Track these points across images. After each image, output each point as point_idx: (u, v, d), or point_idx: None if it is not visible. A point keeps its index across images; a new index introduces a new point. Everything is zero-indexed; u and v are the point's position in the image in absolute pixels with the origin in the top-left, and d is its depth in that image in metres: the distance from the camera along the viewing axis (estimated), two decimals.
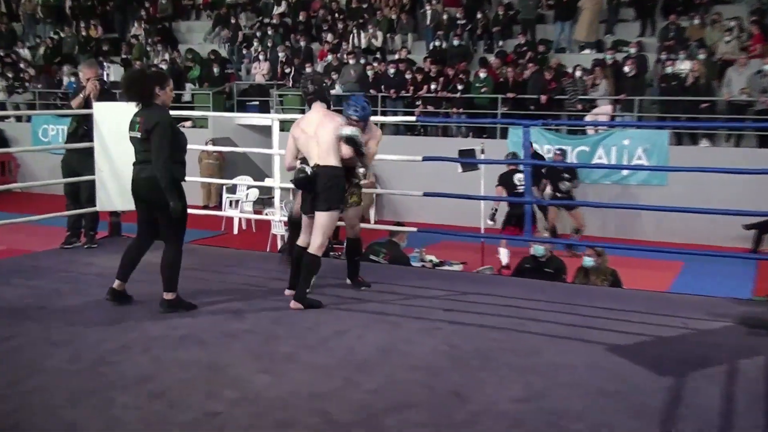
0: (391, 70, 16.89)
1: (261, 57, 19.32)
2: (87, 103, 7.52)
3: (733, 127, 13.90)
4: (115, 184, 7.18)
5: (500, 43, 18.23)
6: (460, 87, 16.08)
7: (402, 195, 14.67)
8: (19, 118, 20.79)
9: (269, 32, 20.26)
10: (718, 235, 12.76)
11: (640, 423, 3.79)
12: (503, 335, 5.12)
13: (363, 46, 19.02)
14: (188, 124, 18.03)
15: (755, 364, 4.64)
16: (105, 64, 19.48)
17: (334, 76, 17.25)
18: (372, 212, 16.06)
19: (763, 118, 13.27)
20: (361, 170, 6.13)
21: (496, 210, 11.50)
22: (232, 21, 21.46)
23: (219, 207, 16.14)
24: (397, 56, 17.93)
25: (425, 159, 7.63)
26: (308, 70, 17.06)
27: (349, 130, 5.69)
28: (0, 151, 17.89)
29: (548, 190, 12.36)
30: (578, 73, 15.28)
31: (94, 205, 7.47)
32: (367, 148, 5.88)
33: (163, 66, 19.43)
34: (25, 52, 23.15)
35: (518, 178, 11.18)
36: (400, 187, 14.53)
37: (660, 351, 4.86)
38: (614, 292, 7.18)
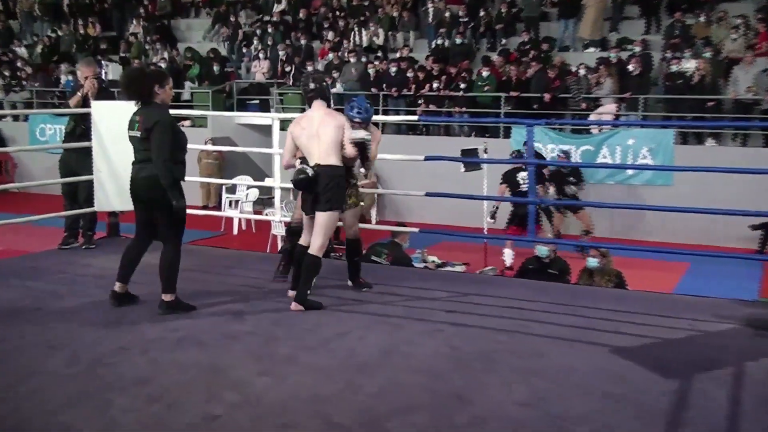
0: (393, 69, 16.88)
1: (261, 55, 19.33)
2: (85, 102, 7.52)
3: (739, 126, 13.89)
4: (113, 184, 7.17)
5: (503, 41, 18.23)
6: (462, 86, 16.07)
7: (404, 195, 14.66)
8: (16, 117, 20.81)
9: (269, 30, 20.27)
10: (724, 235, 12.75)
11: (646, 426, 3.77)
12: (506, 337, 5.11)
13: (364, 44, 19.02)
14: (187, 123, 18.04)
15: (762, 366, 4.63)
16: (103, 62, 19.47)
17: (335, 75, 17.25)
18: (373, 212, 16.07)
19: None
20: (362, 170, 6.14)
21: (497, 208, 11.49)
22: (232, 19, 21.47)
23: (218, 207, 16.14)
24: (398, 54, 17.92)
25: (427, 158, 7.62)
26: (309, 68, 17.05)
27: (362, 134, 5.70)
28: None
29: (551, 191, 12.31)
30: (582, 72, 15.28)
31: (92, 206, 7.47)
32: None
33: (162, 64, 19.44)
34: (22, 51, 23.20)
35: (522, 176, 11.15)
36: (402, 187, 14.52)
37: (665, 353, 4.85)
38: (619, 294, 7.17)
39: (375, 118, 6.49)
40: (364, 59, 18.02)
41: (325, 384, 4.21)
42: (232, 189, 15.73)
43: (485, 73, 16.00)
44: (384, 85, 16.78)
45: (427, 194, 7.76)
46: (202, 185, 17.08)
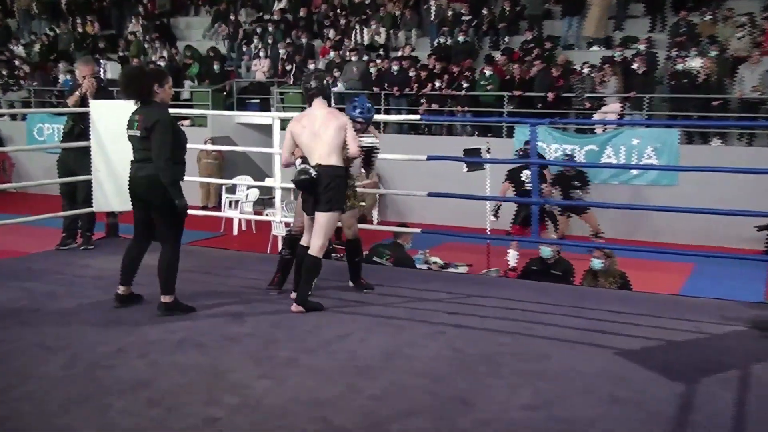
0: (395, 68, 16.87)
1: (261, 54, 19.34)
2: (83, 101, 7.51)
3: (745, 125, 13.87)
4: (112, 184, 7.17)
5: (506, 39, 18.22)
6: (465, 84, 16.06)
7: (405, 195, 14.65)
8: (13, 117, 20.82)
9: (270, 28, 20.28)
10: (730, 236, 12.73)
11: (652, 430, 3.76)
12: (510, 339, 5.10)
13: (366, 42, 19.01)
14: (187, 122, 18.04)
15: None
16: (102, 61, 19.53)
17: (337, 74, 17.24)
18: (375, 213, 16.07)
19: None
20: (362, 170, 6.13)
21: (500, 205, 11.48)
22: (232, 17, 21.46)
23: (218, 207, 16.14)
24: (400, 53, 17.91)
25: (429, 158, 7.61)
26: (311, 67, 17.06)
27: (374, 141, 5.75)
28: None
29: (556, 195, 12.23)
30: (586, 71, 15.26)
31: (91, 206, 7.46)
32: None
33: (162, 63, 19.44)
34: (19, 49, 23.22)
35: (526, 174, 11.11)
36: (404, 187, 14.51)
37: (671, 355, 4.84)
38: (623, 295, 7.16)
39: (377, 117, 6.50)
40: (365, 58, 18.02)
41: (326, 387, 4.20)
42: (232, 189, 15.73)
43: (488, 71, 15.99)
44: (386, 84, 16.77)
45: (430, 194, 7.75)
46: (201, 185, 17.08)
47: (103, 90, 7.83)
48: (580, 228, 12.96)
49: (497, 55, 17.02)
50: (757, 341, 5.18)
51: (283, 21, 20.64)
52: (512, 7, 18.31)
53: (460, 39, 17.70)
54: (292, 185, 5.86)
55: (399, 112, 16.26)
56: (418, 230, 8.04)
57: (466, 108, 16.01)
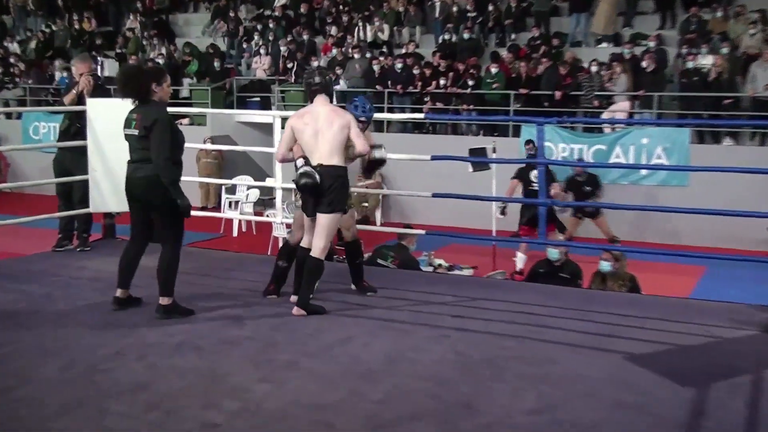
0: (399, 65, 16.89)
1: (262, 51, 19.37)
2: (80, 100, 7.53)
3: (757, 125, 13.87)
4: (109, 184, 7.19)
5: (513, 36, 18.23)
6: (470, 82, 16.07)
7: (409, 196, 14.66)
8: (8, 115, 20.84)
9: (270, 25, 20.30)
10: (742, 238, 12.71)
11: None
12: (515, 343, 5.11)
13: (369, 39, 19.03)
14: (186, 121, 18.07)
15: None
16: (99, 58, 19.57)
17: (339, 71, 17.26)
18: (378, 214, 16.08)
19: None
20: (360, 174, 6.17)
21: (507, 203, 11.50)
22: (231, 14, 21.47)
23: (218, 208, 16.16)
24: (404, 50, 17.92)
25: (434, 158, 7.62)
26: (314, 64, 17.09)
27: (384, 154, 5.84)
28: None
29: (569, 199, 12.19)
30: (595, 68, 15.26)
31: (87, 206, 7.49)
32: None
33: (160, 60, 19.50)
34: (15, 46, 23.25)
35: (535, 174, 11.12)
36: (408, 188, 14.52)
37: (680, 360, 4.85)
38: (632, 299, 7.16)
39: (379, 116, 6.52)
40: (368, 55, 18.03)
41: (328, 391, 4.22)
42: (231, 189, 15.75)
43: (494, 69, 16.00)
44: (389, 82, 16.79)
45: (434, 195, 7.76)
46: (201, 185, 17.10)
47: (100, 88, 7.84)
48: (588, 230, 12.96)
49: (503, 53, 17.03)
50: None
51: (284, 17, 20.67)
52: (519, 3, 18.33)
53: (466, 36, 17.71)
54: (293, 185, 5.88)
55: (402, 110, 16.26)
56: (423, 232, 8.05)
57: (471, 106, 16.02)
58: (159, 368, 4.52)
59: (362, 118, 5.91)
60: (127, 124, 5.42)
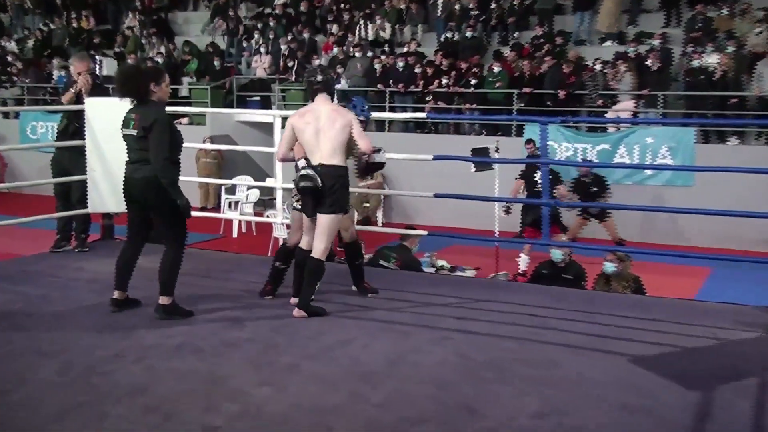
0: (400, 64, 16.88)
1: (262, 50, 19.37)
2: (78, 99, 7.54)
3: (763, 124, 13.84)
4: (107, 184, 7.19)
5: (516, 34, 18.23)
6: (473, 81, 16.06)
7: (411, 196, 14.65)
8: (6, 115, 20.81)
9: (271, 23, 20.30)
10: (749, 238, 12.71)
11: None
12: (519, 345, 5.11)
13: (370, 38, 19.03)
14: (185, 120, 18.08)
15: None
16: (97, 57, 19.59)
17: (340, 70, 17.26)
18: (379, 214, 16.08)
19: None
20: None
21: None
22: (231, 13, 21.46)
23: (217, 209, 16.15)
24: (406, 49, 17.93)
25: (436, 158, 7.61)
26: (315, 63, 17.08)
27: (384, 159, 5.84)
28: None
29: (575, 199, 12.16)
30: (599, 67, 15.25)
31: (86, 207, 7.49)
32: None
33: (159, 59, 19.51)
34: (12, 45, 23.25)
35: (539, 175, 11.10)
36: (410, 188, 14.53)
37: (686, 362, 4.84)
38: (637, 300, 7.16)
39: (381, 115, 6.53)
40: (369, 54, 18.02)
41: (329, 394, 4.21)
42: (231, 189, 15.75)
43: (497, 68, 15.99)
44: (391, 81, 16.78)
45: (436, 195, 7.76)
46: (200, 186, 17.10)
47: (99, 87, 7.84)
48: (591, 231, 12.94)
49: (506, 51, 17.02)
50: None
51: (285, 16, 20.67)
52: (522, 1, 18.31)
53: (468, 34, 17.70)
54: (293, 185, 5.87)
55: (404, 110, 16.25)
56: (425, 232, 8.05)
57: (473, 106, 16.01)
58: (158, 371, 4.52)
59: (360, 118, 5.91)
60: (126, 124, 5.42)
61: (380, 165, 6.08)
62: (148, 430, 3.79)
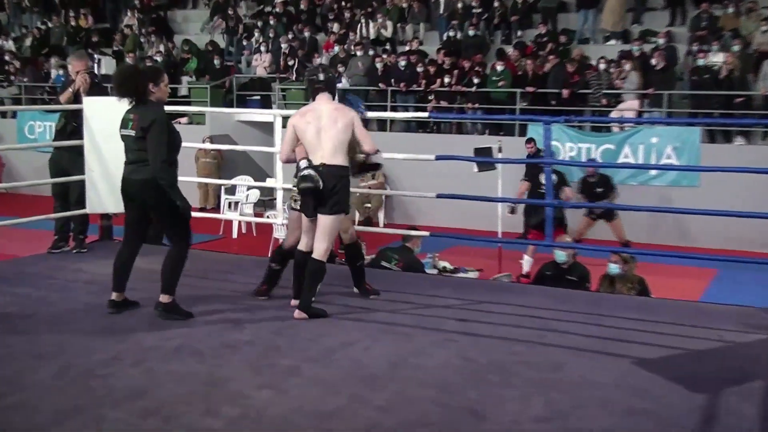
0: (402, 63, 16.88)
1: (262, 48, 19.37)
2: (76, 98, 7.54)
3: None
4: (106, 184, 7.19)
5: (519, 33, 18.23)
6: (475, 80, 16.05)
7: (413, 196, 14.64)
8: (3, 114, 20.79)
9: (271, 22, 20.31)
10: (755, 239, 12.70)
11: None
12: (523, 348, 5.10)
13: (372, 36, 19.03)
14: (184, 120, 18.08)
15: None
16: (95, 56, 19.56)
17: (341, 69, 17.26)
18: (381, 215, 16.07)
19: None
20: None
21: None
22: (230, 12, 21.45)
23: (217, 209, 16.16)
24: (408, 47, 17.93)
25: (438, 158, 7.60)
26: (316, 61, 17.07)
27: (379, 157, 5.87)
28: None
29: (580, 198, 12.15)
30: (603, 66, 15.24)
31: (84, 207, 7.49)
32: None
33: (158, 58, 19.51)
34: (9, 44, 23.27)
35: (544, 177, 11.07)
36: (411, 188, 14.51)
37: (692, 365, 4.83)
38: (642, 302, 7.15)
39: (382, 115, 6.53)
40: (371, 52, 18.02)
41: (330, 397, 4.21)
42: (231, 190, 15.75)
43: (500, 67, 15.98)
44: (392, 80, 16.78)
45: (438, 196, 7.75)
46: (199, 186, 17.10)
47: (97, 86, 7.84)
48: (596, 232, 12.93)
49: (509, 50, 17.02)
50: None
51: (285, 14, 20.66)
52: None
53: (471, 33, 17.70)
54: (290, 186, 5.87)
55: (406, 109, 16.26)
56: (427, 233, 8.05)
57: (476, 105, 16.00)
58: (157, 373, 4.51)
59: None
60: (124, 124, 5.42)
61: (377, 166, 6.09)
62: None
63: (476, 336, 5.31)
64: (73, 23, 22.93)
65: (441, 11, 19.03)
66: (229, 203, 15.52)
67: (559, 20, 18.19)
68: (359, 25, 19.34)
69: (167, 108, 5.69)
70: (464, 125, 16.52)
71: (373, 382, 4.44)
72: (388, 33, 18.96)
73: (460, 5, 18.62)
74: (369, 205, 15.83)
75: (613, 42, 17.14)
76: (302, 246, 5.86)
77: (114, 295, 5.62)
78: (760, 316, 5.92)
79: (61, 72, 18.90)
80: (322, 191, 5.53)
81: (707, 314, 6.06)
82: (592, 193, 11.95)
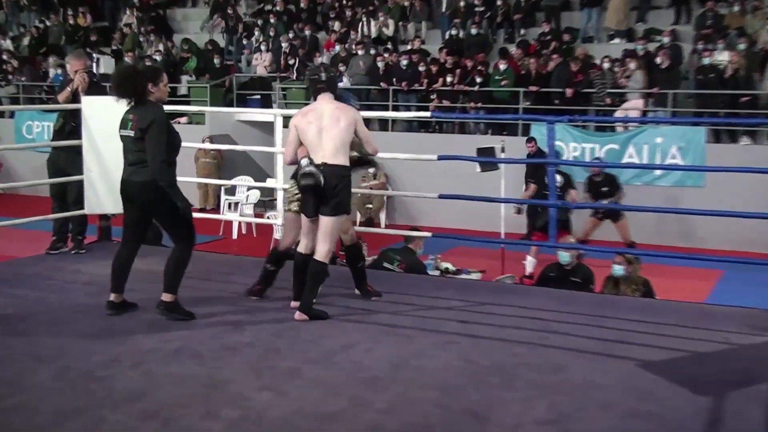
0: (404, 62, 16.89)
1: (263, 47, 19.38)
2: (75, 98, 7.55)
3: None
4: (105, 184, 7.20)
5: (522, 31, 18.23)
6: (478, 80, 16.06)
7: (415, 197, 14.65)
8: (1, 114, 20.89)
9: (271, 20, 20.32)
10: (761, 241, 12.68)
11: None
12: (525, 350, 5.10)
13: (373, 35, 19.04)
14: (184, 120, 18.09)
15: None
16: (94, 55, 19.55)
17: (342, 68, 17.27)
18: (382, 216, 16.08)
19: None
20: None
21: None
22: (230, 12, 21.46)
23: (217, 210, 16.18)
24: (410, 46, 17.94)
25: (440, 158, 7.62)
26: (317, 60, 17.08)
27: (378, 158, 5.94)
28: None
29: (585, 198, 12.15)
30: (607, 65, 15.24)
31: (82, 208, 7.50)
32: None
33: (157, 57, 19.52)
34: (7, 43, 23.30)
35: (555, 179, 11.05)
36: (413, 189, 14.51)
37: (696, 368, 4.84)
38: (646, 304, 7.15)
39: (384, 114, 6.54)
40: (372, 51, 18.04)
41: (331, 399, 4.21)
42: (231, 190, 15.76)
43: (503, 66, 15.98)
44: (394, 80, 16.78)
45: (441, 196, 7.76)
46: (199, 186, 17.11)
47: (96, 85, 7.85)
48: (601, 233, 12.94)
49: (512, 49, 17.02)
50: None
51: (286, 12, 20.68)
52: None
53: (473, 31, 17.70)
54: (288, 185, 5.87)
55: (408, 109, 16.27)
56: (429, 234, 8.05)
57: (479, 104, 16.01)
58: (156, 375, 4.52)
59: None
60: (123, 124, 5.43)
61: (372, 162, 6.10)
62: None
63: (478, 338, 5.31)
64: (71, 22, 22.94)
65: (443, 9, 19.04)
66: (229, 204, 15.53)
67: (563, 18, 18.20)
68: (360, 24, 19.35)
69: (166, 108, 5.70)
70: (467, 125, 16.52)
71: (374, 384, 4.45)
72: (389, 31, 18.96)
73: (462, 3, 18.64)
74: (370, 205, 15.84)
75: (617, 41, 17.15)
76: (302, 248, 5.86)
77: (113, 297, 5.63)
78: (766, 318, 5.92)
79: (59, 71, 18.92)
80: (323, 190, 5.52)
81: (712, 316, 6.06)
82: (597, 192, 11.95)
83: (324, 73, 5.76)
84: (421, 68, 16.72)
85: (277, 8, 20.86)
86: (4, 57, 22.12)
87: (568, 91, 15.25)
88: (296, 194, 6.04)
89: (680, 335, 5.43)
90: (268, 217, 12.61)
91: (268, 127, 15.20)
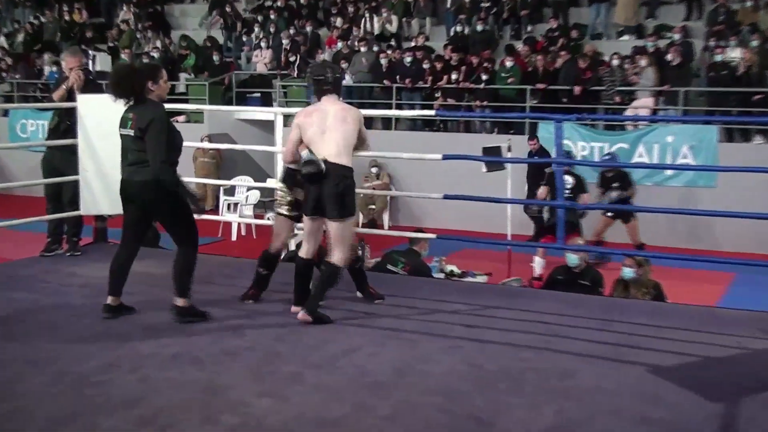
0: (408, 59, 16.89)
1: (263, 44, 19.40)
2: (70, 96, 7.55)
3: None
4: (101, 184, 7.21)
5: (529, 28, 18.24)
6: (484, 77, 16.06)
7: (419, 197, 14.64)
8: None
9: (272, 16, 20.33)
10: None
11: None
12: (533, 354, 5.10)
13: (376, 31, 19.06)
14: (182, 118, 18.10)
15: None
16: (90, 52, 19.56)
17: (344, 65, 17.28)
18: (386, 217, 16.08)
19: None
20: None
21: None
22: (228, 9, 21.47)
23: (216, 211, 16.18)
24: (413, 43, 17.93)
25: (445, 157, 7.61)
26: (320, 57, 17.09)
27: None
28: None
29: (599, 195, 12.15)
30: (616, 62, 15.24)
31: (78, 208, 7.51)
32: None
33: (155, 54, 19.54)
34: (1, 40, 23.34)
35: (568, 180, 11.06)
36: (418, 189, 14.52)
37: (708, 373, 4.83)
38: (657, 307, 7.14)
39: (388, 113, 6.53)
40: (375, 48, 18.05)
41: (333, 405, 4.21)
42: (230, 191, 15.77)
43: (509, 63, 15.99)
44: (398, 77, 16.78)
45: (446, 197, 7.75)
46: (198, 186, 17.08)
47: (92, 83, 7.86)
48: (610, 235, 12.94)
49: (519, 45, 17.03)
50: None
51: (287, 8, 20.70)
52: None
53: (479, 27, 17.71)
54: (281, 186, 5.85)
55: (412, 107, 16.28)
56: (433, 236, 8.05)
57: (485, 103, 16.00)
58: (154, 381, 4.52)
59: None
60: (123, 123, 5.43)
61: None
62: None
63: (484, 342, 5.32)
64: (66, 18, 22.97)
65: (448, 5, 19.05)
66: (228, 204, 15.54)
67: (571, 14, 18.20)
68: (363, 20, 19.36)
69: (165, 106, 5.70)
70: (472, 123, 16.52)
71: (377, 389, 4.45)
72: (393, 28, 18.98)
73: None
74: (373, 206, 15.84)
75: (626, 37, 17.14)
76: (303, 252, 5.85)
77: (110, 300, 5.64)
78: None
79: (54, 68, 18.94)
80: (323, 186, 5.51)
81: (724, 319, 6.06)
82: (609, 188, 11.97)
83: (330, 74, 5.73)
84: (426, 65, 16.72)
85: (278, 4, 20.88)
86: None
87: (577, 89, 15.24)
88: (286, 198, 6.10)
89: (691, 339, 5.43)
90: (268, 218, 12.60)
91: (268, 126, 15.20)
